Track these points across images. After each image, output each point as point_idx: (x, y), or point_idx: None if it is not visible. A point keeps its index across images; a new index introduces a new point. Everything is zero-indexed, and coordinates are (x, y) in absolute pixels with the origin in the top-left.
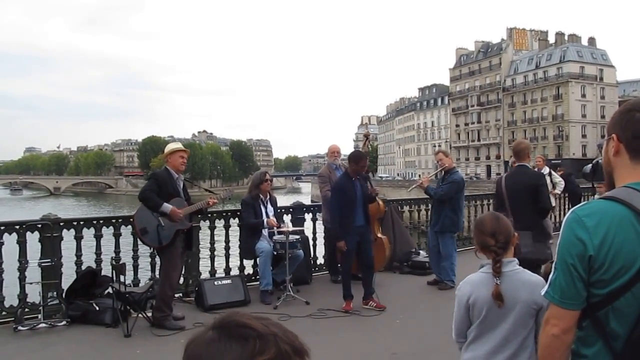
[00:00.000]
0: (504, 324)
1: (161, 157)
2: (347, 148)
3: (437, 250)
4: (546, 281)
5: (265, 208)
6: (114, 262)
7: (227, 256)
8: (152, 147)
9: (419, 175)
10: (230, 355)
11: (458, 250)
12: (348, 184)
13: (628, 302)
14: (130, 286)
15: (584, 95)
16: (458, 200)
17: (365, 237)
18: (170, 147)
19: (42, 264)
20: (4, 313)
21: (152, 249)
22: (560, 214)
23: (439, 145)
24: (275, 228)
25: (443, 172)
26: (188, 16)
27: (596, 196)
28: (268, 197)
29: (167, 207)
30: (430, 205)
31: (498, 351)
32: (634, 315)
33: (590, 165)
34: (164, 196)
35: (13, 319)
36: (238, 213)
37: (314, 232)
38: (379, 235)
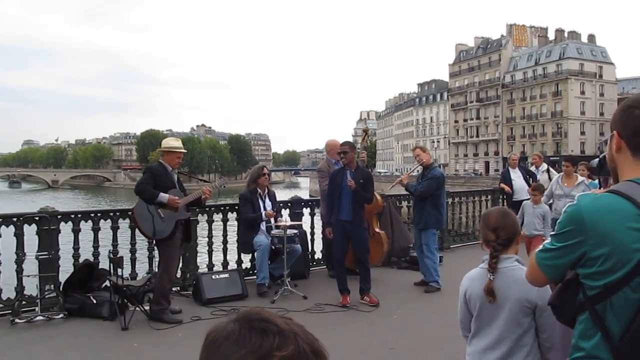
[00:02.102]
0: (498, 320)
1: (158, 150)
2: None
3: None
4: None
5: (264, 202)
6: (111, 255)
7: (225, 250)
8: (150, 140)
9: (417, 171)
10: (248, 347)
11: (454, 245)
12: (337, 174)
13: (626, 296)
14: (128, 279)
15: (583, 93)
16: (439, 197)
17: (354, 233)
18: (170, 143)
19: (40, 257)
20: (1, 306)
21: (152, 241)
22: None
23: (438, 141)
24: (272, 221)
25: (422, 168)
26: (187, 10)
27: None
28: (266, 191)
29: (164, 196)
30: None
31: (494, 347)
32: (632, 309)
33: (597, 160)
34: (160, 189)
35: (10, 311)
36: (236, 207)
37: (312, 227)
38: (377, 230)
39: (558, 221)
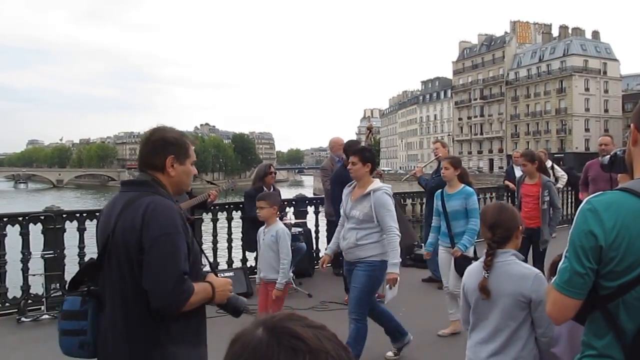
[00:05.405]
0: (493, 314)
1: None
2: None
3: None
4: (554, 272)
5: None
6: None
7: (230, 248)
8: None
9: (430, 167)
10: None
11: None
12: (346, 175)
13: (639, 296)
14: None
15: (587, 89)
16: None
17: None
18: None
19: (45, 256)
20: (7, 304)
21: None
22: (562, 208)
23: (442, 139)
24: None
25: (439, 162)
26: (189, 8)
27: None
28: (272, 189)
29: None
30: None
31: (489, 340)
32: None
33: (608, 156)
34: None
35: (16, 310)
36: (241, 205)
37: (317, 225)
38: None
39: (573, 225)
